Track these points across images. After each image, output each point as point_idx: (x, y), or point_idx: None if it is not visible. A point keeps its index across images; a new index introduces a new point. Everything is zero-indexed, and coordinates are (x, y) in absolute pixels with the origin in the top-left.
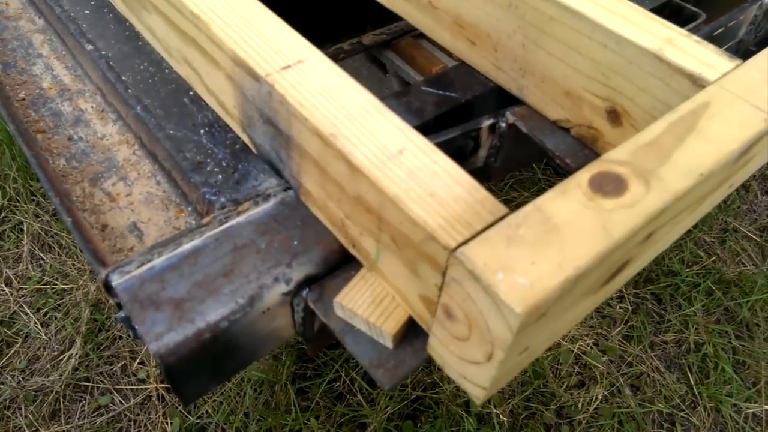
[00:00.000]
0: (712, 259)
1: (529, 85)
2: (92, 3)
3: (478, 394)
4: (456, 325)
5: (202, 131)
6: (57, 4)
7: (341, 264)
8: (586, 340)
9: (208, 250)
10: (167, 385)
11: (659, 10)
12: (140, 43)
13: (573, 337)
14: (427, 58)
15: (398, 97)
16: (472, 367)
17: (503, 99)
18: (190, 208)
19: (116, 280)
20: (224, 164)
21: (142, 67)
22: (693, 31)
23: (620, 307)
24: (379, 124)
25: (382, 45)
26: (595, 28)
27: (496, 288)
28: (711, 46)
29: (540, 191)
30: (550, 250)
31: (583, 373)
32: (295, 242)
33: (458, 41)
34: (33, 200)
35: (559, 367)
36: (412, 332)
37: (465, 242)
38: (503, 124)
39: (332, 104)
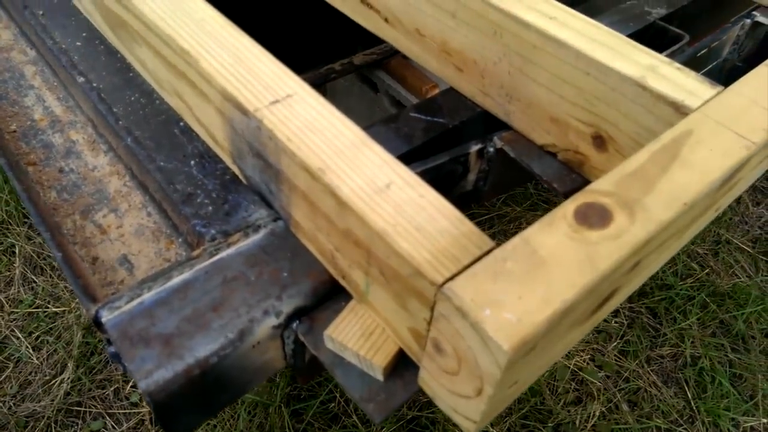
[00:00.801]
0: (706, 271)
1: (516, 110)
2: (84, 35)
3: (469, 427)
4: (445, 360)
5: (192, 162)
6: (48, 36)
7: (331, 295)
8: (582, 356)
9: (197, 283)
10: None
11: (643, 32)
12: (131, 74)
13: (569, 353)
14: (417, 77)
15: (387, 123)
16: (463, 401)
17: (491, 123)
18: (180, 240)
19: (106, 316)
20: (214, 195)
21: (133, 98)
22: (677, 52)
23: (615, 322)
24: (366, 157)
25: (373, 65)
26: (578, 56)
27: (484, 324)
28: (693, 73)
29: (532, 206)
30: (537, 284)
31: (580, 389)
32: (285, 274)
33: (445, 68)
34: (25, 222)
35: (555, 383)
36: (402, 364)
37: (452, 277)
38: (491, 149)
39: (320, 138)
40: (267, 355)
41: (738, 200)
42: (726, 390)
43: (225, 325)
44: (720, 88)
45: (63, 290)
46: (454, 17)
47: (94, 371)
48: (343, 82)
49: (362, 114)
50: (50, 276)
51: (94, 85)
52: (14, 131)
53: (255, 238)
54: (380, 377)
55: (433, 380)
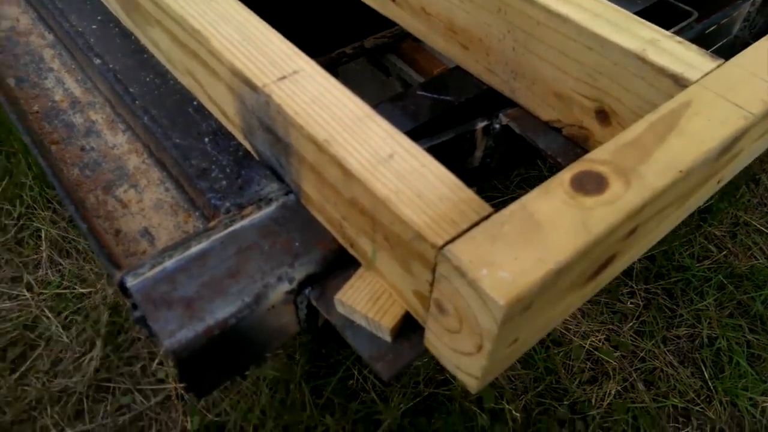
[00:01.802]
0: (723, 253)
1: (521, 87)
2: (99, 18)
3: (471, 384)
4: (448, 319)
5: (206, 139)
6: (65, 19)
7: (340, 263)
8: (597, 336)
9: (214, 252)
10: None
11: (652, 9)
12: (145, 56)
13: (584, 332)
14: (428, 60)
15: (394, 101)
16: (465, 358)
17: (497, 100)
18: (197, 213)
19: (131, 282)
20: (228, 170)
21: (148, 79)
22: (685, 29)
23: (631, 303)
24: (370, 129)
25: (384, 48)
26: (580, 31)
27: (481, 282)
28: (693, 47)
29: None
30: (532, 246)
31: (596, 368)
32: (297, 243)
33: (451, 46)
34: (50, 207)
35: (571, 363)
36: (409, 326)
37: (452, 240)
38: (497, 126)
39: (326, 112)
40: (282, 318)
41: (757, 182)
42: (744, 370)
43: (241, 290)
44: (720, 61)
45: (89, 272)
46: None
47: (121, 349)
48: (354, 65)
49: (374, 97)
50: (76, 259)
51: (111, 66)
52: (37, 112)
53: (267, 210)
54: (388, 338)
55: (437, 340)
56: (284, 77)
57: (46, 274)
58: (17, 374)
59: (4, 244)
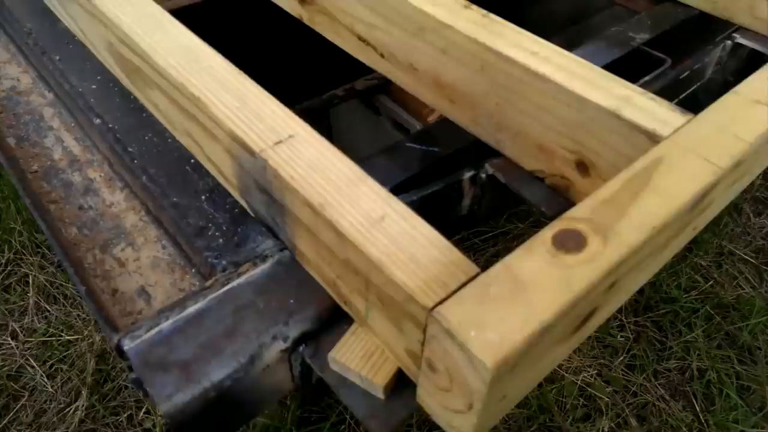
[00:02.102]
0: (710, 283)
1: (505, 139)
2: (98, 78)
3: None
4: (439, 377)
5: (203, 197)
6: (65, 80)
7: (334, 319)
8: (589, 371)
9: (211, 311)
10: None
11: (627, 57)
12: (144, 114)
13: (576, 368)
14: (418, 100)
15: (385, 153)
16: (456, 415)
17: (483, 150)
18: (194, 270)
19: (127, 345)
20: (225, 228)
21: (146, 137)
22: (660, 75)
23: (621, 336)
24: (362, 192)
25: (374, 89)
26: (558, 89)
27: (470, 344)
28: (665, 103)
29: (535, 223)
30: (517, 307)
31: (589, 404)
32: (292, 300)
33: (439, 99)
34: (38, 252)
35: (563, 399)
36: (402, 383)
37: (441, 302)
38: (483, 175)
39: (320, 175)
40: (276, 377)
41: (739, 211)
42: (734, 402)
43: (237, 350)
44: (690, 116)
45: (76, 318)
46: (444, 53)
47: (107, 398)
48: (346, 106)
49: (365, 137)
50: (63, 305)
51: (110, 126)
52: (36, 171)
53: (263, 267)
54: (381, 396)
55: (429, 397)
56: (280, 142)
57: (33, 321)
58: None
59: None
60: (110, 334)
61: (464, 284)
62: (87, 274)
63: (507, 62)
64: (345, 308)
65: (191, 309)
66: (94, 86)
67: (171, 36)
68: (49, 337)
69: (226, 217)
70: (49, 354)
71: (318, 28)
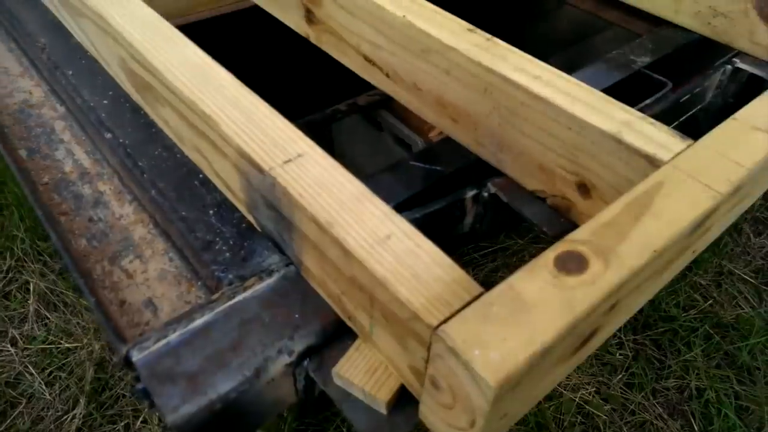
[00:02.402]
0: (709, 302)
1: (507, 159)
2: (110, 93)
3: None
4: (442, 395)
5: (211, 212)
6: (78, 94)
7: (339, 335)
8: (587, 389)
9: (217, 324)
10: None
11: (628, 80)
12: (154, 130)
13: (575, 385)
14: (419, 117)
15: (389, 171)
16: None
17: (485, 169)
18: (200, 283)
19: (136, 356)
20: (231, 243)
21: (156, 152)
22: (661, 99)
23: (620, 354)
24: (368, 211)
25: (377, 105)
26: (560, 113)
27: (473, 363)
28: (665, 128)
29: (534, 239)
30: (520, 327)
31: (587, 422)
32: (297, 315)
33: (441, 119)
34: (40, 260)
35: (561, 417)
36: (404, 399)
37: (445, 320)
38: (485, 194)
39: (327, 194)
40: (280, 390)
41: (739, 231)
42: (732, 422)
43: (243, 363)
44: (690, 141)
45: (75, 326)
46: (448, 74)
47: (105, 407)
48: (348, 121)
49: (367, 151)
50: (63, 312)
51: (121, 140)
52: (46, 183)
53: (269, 281)
54: (384, 411)
55: (431, 414)
56: (289, 160)
57: (32, 328)
58: None
59: None
60: (118, 345)
61: (468, 303)
62: (96, 285)
63: (510, 85)
64: (349, 324)
65: (198, 321)
66: (105, 101)
67: (182, 53)
68: (48, 344)
69: (233, 232)
70: (48, 362)
71: (324, 47)
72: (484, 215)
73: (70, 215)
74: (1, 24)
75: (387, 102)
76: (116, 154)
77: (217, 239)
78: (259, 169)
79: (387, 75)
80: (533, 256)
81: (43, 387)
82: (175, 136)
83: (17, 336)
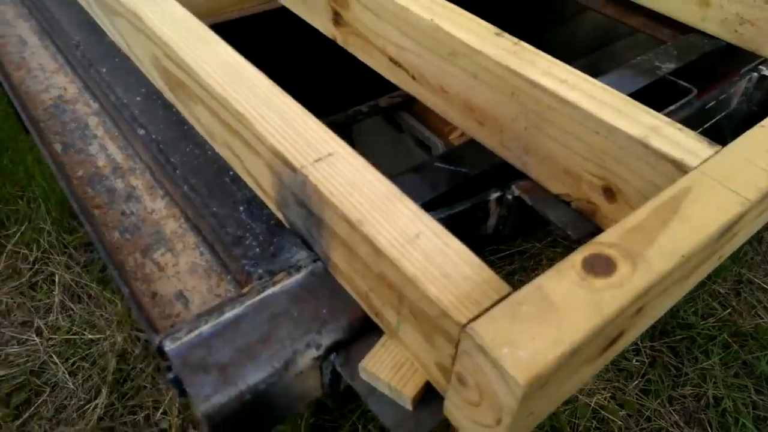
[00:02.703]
0: (728, 311)
1: (532, 162)
2: (143, 90)
3: None
4: (468, 392)
5: (241, 208)
6: (111, 91)
7: (365, 330)
8: (603, 394)
9: (248, 318)
10: None
11: (653, 86)
12: (185, 127)
13: (590, 390)
14: (439, 119)
15: (415, 171)
16: (484, 429)
17: (509, 172)
18: (229, 277)
19: (168, 346)
20: (261, 238)
21: (188, 149)
22: (686, 105)
23: (637, 360)
24: (398, 210)
25: (398, 106)
26: (587, 117)
27: (502, 361)
28: (692, 133)
29: (552, 242)
30: (548, 327)
31: (601, 427)
32: (324, 310)
33: (467, 121)
34: (65, 252)
35: (576, 421)
36: (429, 395)
37: (474, 318)
38: (509, 197)
39: (358, 193)
40: (307, 383)
41: (759, 240)
42: None
43: (272, 356)
44: (717, 147)
45: (98, 318)
46: (475, 78)
47: (126, 397)
48: (369, 122)
49: (387, 152)
50: (87, 304)
51: (153, 137)
52: (81, 177)
53: (297, 277)
54: (409, 407)
55: (457, 410)
56: (320, 159)
57: (57, 319)
58: (20, 421)
59: (17, 288)
60: (152, 335)
61: (496, 302)
62: (128, 276)
63: (537, 89)
64: (375, 320)
65: (229, 314)
66: (138, 98)
67: (215, 52)
68: (72, 335)
69: (262, 228)
70: (72, 352)
71: (351, 49)
72: (508, 217)
73: (104, 208)
74: (36, 21)
75: (408, 104)
76: (149, 150)
77: (247, 235)
78: (291, 168)
79: (413, 77)
80: (551, 259)
81: (67, 376)
82: (207, 133)
83: (42, 326)
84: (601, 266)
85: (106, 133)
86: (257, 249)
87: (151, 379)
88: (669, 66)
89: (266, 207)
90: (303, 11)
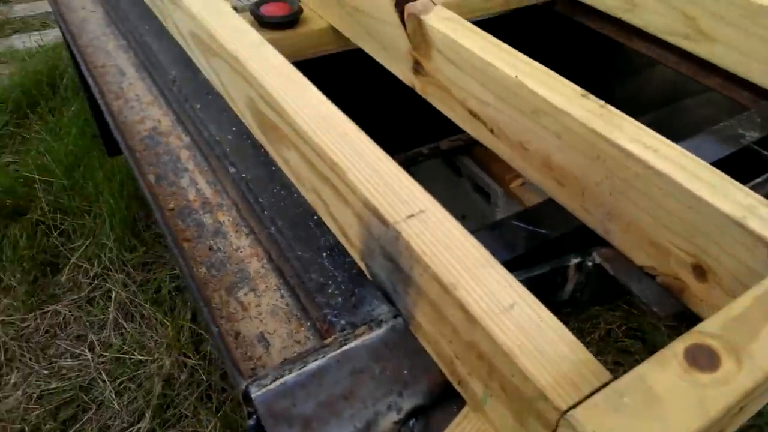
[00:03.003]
0: None
1: (616, 229)
2: (234, 129)
3: None
4: None
5: (324, 254)
6: (204, 127)
7: (444, 397)
8: None
9: (330, 370)
10: None
11: (737, 155)
12: (273, 168)
13: None
14: (501, 166)
15: (491, 229)
16: None
17: (590, 237)
18: (309, 323)
19: (255, 393)
20: (343, 287)
21: (275, 190)
22: None
23: None
24: (491, 276)
25: (458, 150)
26: (681, 190)
27: None
28: None
29: (612, 306)
30: (653, 422)
31: None
32: (406, 371)
33: (546, 180)
34: (124, 270)
35: None
36: None
37: (575, 405)
38: (590, 264)
39: (450, 254)
40: None
41: None
42: None
43: (354, 414)
44: None
45: (149, 339)
46: (559, 138)
47: (167, 424)
48: (429, 164)
49: (444, 196)
50: (139, 324)
51: (243, 175)
52: (172, 209)
53: (378, 332)
54: None
55: None
56: (412, 215)
57: (110, 335)
58: None
59: (76, 301)
60: (238, 379)
61: (597, 389)
62: (215, 314)
63: (625, 155)
64: (458, 388)
65: (312, 365)
66: (229, 136)
67: (310, 100)
68: (122, 353)
69: (344, 277)
70: (121, 371)
71: (429, 98)
72: (586, 285)
73: (193, 242)
74: (135, 54)
75: (469, 148)
76: (237, 188)
77: (330, 282)
78: (384, 221)
79: (491, 131)
80: (609, 323)
81: (113, 396)
82: (294, 176)
83: (95, 342)
84: (704, 359)
85: (197, 167)
86: (339, 298)
87: (193, 408)
88: (753, 135)
89: (347, 255)
90: (382, 57)
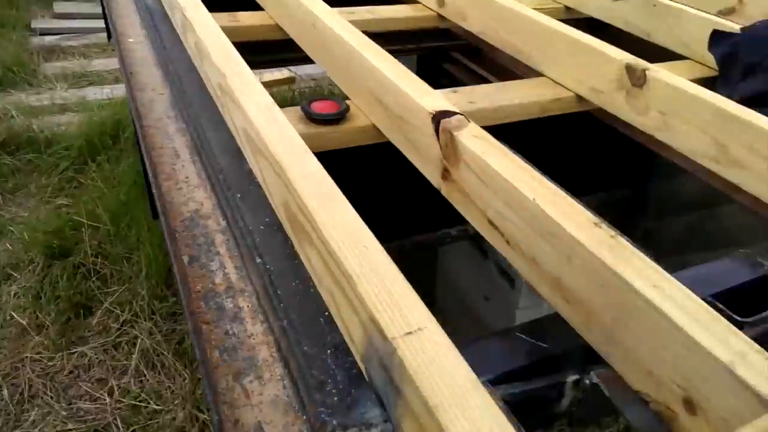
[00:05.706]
0: None
1: (615, 353)
2: (266, 220)
3: None
4: None
5: (329, 351)
6: (240, 216)
7: None
8: None
9: None
10: None
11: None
12: (296, 261)
13: None
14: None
15: (494, 338)
16: None
17: (591, 355)
18: (304, 418)
19: None
20: (341, 387)
21: (293, 284)
22: None
23: None
24: (475, 403)
25: None
26: (677, 330)
27: None
28: None
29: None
30: None
31: None
32: None
33: (555, 296)
34: (152, 318)
35: None
36: None
37: None
38: (587, 382)
39: (440, 377)
40: None
41: None
42: None
43: None
44: None
45: (166, 389)
46: (569, 261)
47: None
48: (457, 246)
49: (469, 277)
50: (159, 372)
51: (268, 267)
52: (198, 291)
53: None
54: None
55: None
56: (411, 333)
57: (130, 382)
58: None
59: (103, 345)
60: None
61: None
62: (219, 399)
63: (629, 288)
64: None
65: None
66: (261, 227)
67: (338, 211)
68: (139, 402)
69: (343, 376)
70: (135, 419)
71: (453, 202)
72: (581, 403)
73: (211, 325)
74: (191, 138)
75: None
76: (261, 278)
77: (329, 380)
78: (383, 336)
79: (507, 242)
80: None
81: None
82: (313, 273)
83: (115, 387)
84: None
85: (227, 252)
86: (336, 398)
87: None
88: None
89: (350, 354)
90: (415, 159)
